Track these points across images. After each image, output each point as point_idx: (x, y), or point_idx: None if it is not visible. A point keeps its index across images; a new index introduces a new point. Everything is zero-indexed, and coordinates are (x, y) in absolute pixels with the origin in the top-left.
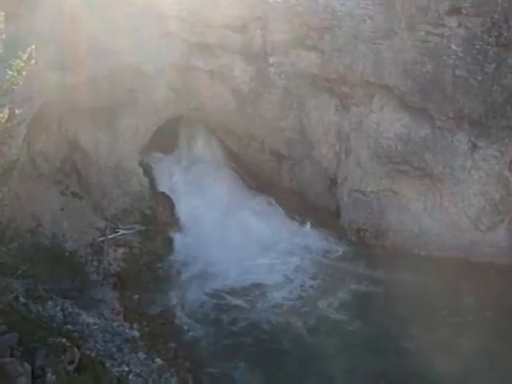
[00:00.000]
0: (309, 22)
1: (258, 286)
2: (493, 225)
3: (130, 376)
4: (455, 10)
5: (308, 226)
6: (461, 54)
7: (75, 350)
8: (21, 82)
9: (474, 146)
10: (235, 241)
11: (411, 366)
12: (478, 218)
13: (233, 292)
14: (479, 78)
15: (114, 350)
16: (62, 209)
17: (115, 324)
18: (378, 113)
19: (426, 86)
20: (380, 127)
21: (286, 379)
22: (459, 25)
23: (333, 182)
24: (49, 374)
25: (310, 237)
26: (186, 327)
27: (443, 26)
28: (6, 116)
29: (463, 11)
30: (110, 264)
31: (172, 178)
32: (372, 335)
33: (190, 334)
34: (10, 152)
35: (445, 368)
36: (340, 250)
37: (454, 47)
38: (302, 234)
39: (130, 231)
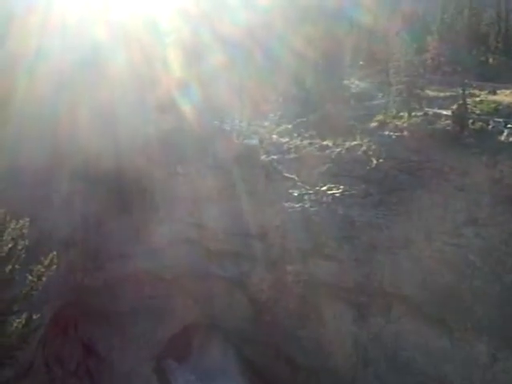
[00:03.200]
0: (327, 231)
1: None
2: None
3: None
4: (472, 221)
5: None
6: (479, 265)
7: None
8: (40, 287)
9: (494, 358)
10: None
11: None
12: None
13: None
14: (498, 289)
15: None
16: None
17: None
18: (396, 323)
19: (445, 297)
20: (398, 338)
21: None
22: (476, 235)
23: None
24: None
25: None
26: None
27: (460, 236)
28: (24, 322)
29: (479, 222)
30: None
31: None
32: None
33: None
34: (24, 356)
35: None
36: None
37: (471, 257)
38: None
39: None
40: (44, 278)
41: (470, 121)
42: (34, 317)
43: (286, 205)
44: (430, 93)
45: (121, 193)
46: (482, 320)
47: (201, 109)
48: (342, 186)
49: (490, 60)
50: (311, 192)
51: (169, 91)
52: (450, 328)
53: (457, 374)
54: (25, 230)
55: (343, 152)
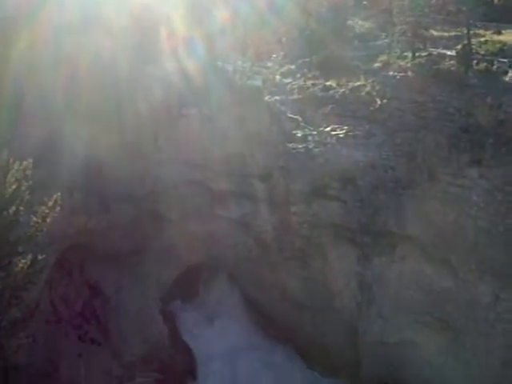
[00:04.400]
0: (331, 172)
1: None
2: None
3: None
4: (476, 162)
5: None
6: (482, 205)
7: None
8: (45, 229)
9: (498, 298)
10: None
11: None
12: (501, 371)
13: None
14: (501, 229)
15: None
16: (80, 355)
17: None
18: (400, 263)
19: (449, 237)
20: (402, 278)
21: None
22: (480, 176)
23: (354, 333)
24: None
25: None
26: None
27: (464, 177)
28: (29, 262)
29: (484, 162)
30: None
31: (192, 326)
32: None
33: None
34: (31, 297)
35: None
36: None
37: (475, 198)
38: None
39: (148, 379)
40: (48, 220)
41: (475, 61)
42: (39, 257)
43: (290, 146)
44: (435, 33)
45: (124, 135)
46: (485, 260)
47: (203, 52)
48: (345, 127)
49: (496, 0)
50: (315, 133)
51: (172, 39)
52: (453, 268)
53: (460, 313)
54: (28, 172)
55: (347, 92)
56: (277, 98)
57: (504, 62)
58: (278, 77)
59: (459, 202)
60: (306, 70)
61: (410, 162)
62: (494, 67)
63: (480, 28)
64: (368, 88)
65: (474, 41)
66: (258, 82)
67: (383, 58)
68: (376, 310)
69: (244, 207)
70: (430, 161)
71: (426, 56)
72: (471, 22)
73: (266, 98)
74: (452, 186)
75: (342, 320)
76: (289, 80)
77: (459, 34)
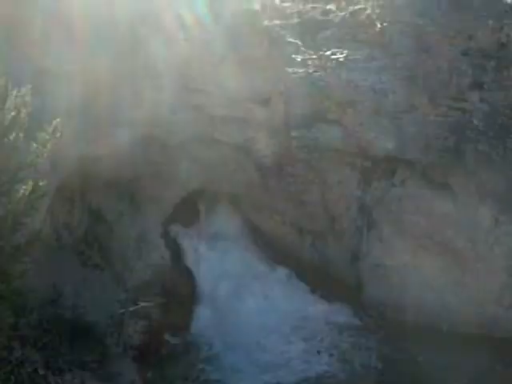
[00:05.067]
0: (331, 96)
1: (277, 360)
2: None
3: None
4: (476, 85)
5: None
6: (483, 129)
7: None
8: (45, 155)
9: (497, 221)
10: (256, 314)
11: None
12: (501, 294)
13: (252, 365)
14: (502, 153)
15: None
16: (84, 280)
17: None
18: (400, 187)
19: (448, 161)
20: (402, 202)
21: None
22: (481, 99)
23: (354, 257)
24: None
25: (330, 311)
26: None
27: (465, 100)
28: (30, 188)
29: (485, 86)
30: (131, 336)
31: (194, 250)
32: None
33: None
34: (33, 223)
35: None
36: (361, 325)
37: (475, 122)
38: (322, 308)
39: (151, 304)
40: (49, 146)
41: None
42: (41, 184)
43: (290, 70)
44: None
45: (120, 62)
46: (485, 184)
47: None
48: (345, 51)
49: None
50: (315, 57)
51: None
52: (453, 192)
53: (460, 237)
54: (27, 98)
55: (347, 16)
56: (276, 22)
57: None
58: (276, 0)
59: (459, 125)
60: None
61: (410, 86)
62: None
63: None
64: (368, 11)
65: None
66: (256, 6)
67: None
68: (376, 233)
69: (244, 132)
70: (430, 85)
71: None
72: None
73: (265, 23)
74: (452, 110)
75: (342, 244)
76: (288, 4)
77: None
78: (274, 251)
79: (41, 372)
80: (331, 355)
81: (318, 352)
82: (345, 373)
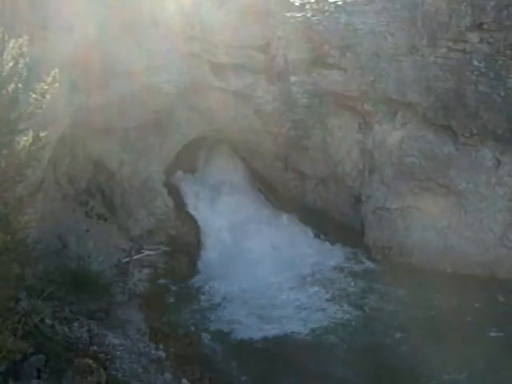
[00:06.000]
0: (330, 40)
1: (282, 305)
2: None
3: None
4: (476, 26)
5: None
6: (483, 70)
7: (102, 371)
8: (44, 106)
9: (499, 162)
10: (260, 259)
11: None
12: (503, 234)
13: (257, 309)
14: (502, 94)
15: (140, 370)
16: (88, 230)
17: (141, 345)
18: (401, 130)
19: (449, 103)
20: (403, 144)
21: None
22: (481, 40)
23: (357, 200)
24: None
25: (334, 254)
26: (211, 348)
27: (465, 41)
28: (31, 139)
29: (485, 26)
30: (136, 285)
31: (196, 198)
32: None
33: (216, 355)
34: (35, 174)
35: None
36: (364, 267)
37: (476, 63)
38: (325, 252)
39: (155, 252)
40: (48, 96)
41: None
42: (41, 134)
43: (288, 15)
44: None
45: (116, 11)
46: (486, 125)
47: None
48: None
49: None
50: (313, 1)
51: None
52: (454, 133)
53: (461, 178)
54: (25, 49)
55: None
56: None
57: None
58: None
59: (460, 67)
60: None
61: (409, 28)
62: None
63: None
64: None
65: None
66: None
67: None
68: (378, 176)
69: (243, 79)
70: (429, 26)
71: None
72: None
73: None
74: (452, 51)
75: (344, 188)
76: None
77: None
78: (276, 197)
79: (48, 322)
80: (341, 301)
81: (326, 299)
82: (358, 318)
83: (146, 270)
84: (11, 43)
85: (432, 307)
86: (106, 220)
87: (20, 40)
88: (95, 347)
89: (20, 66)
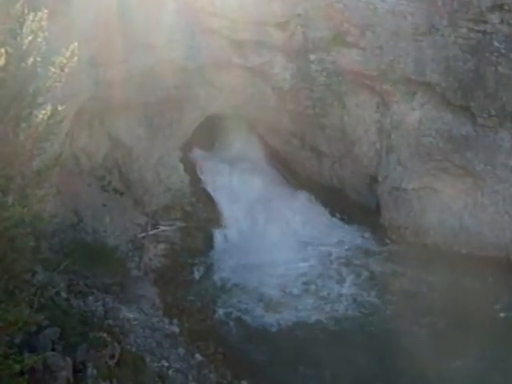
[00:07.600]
0: (350, 19)
1: (298, 283)
2: None
3: (170, 371)
4: (497, 7)
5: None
6: (503, 51)
7: (116, 344)
8: (63, 79)
9: None
10: (276, 237)
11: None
12: None
13: (273, 289)
14: None
15: (154, 345)
16: (104, 205)
17: (155, 319)
18: (420, 110)
19: (468, 84)
20: (421, 125)
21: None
22: (501, 21)
23: (373, 180)
24: (90, 369)
25: (350, 234)
26: (225, 323)
27: (485, 22)
28: (49, 113)
29: (505, 7)
30: (151, 260)
31: (213, 174)
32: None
33: (230, 330)
34: (53, 148)
35: None
36: (380, 248)
37: (496, 44)
38: (341, 231)
39: (171, 227)
40: (66, 70)
41: None
42: (59, 108)
43: None
44: None
45: None
46: (505, 106)
47: None
48: None
49: None
50: None
51: None
52: (473, 114)
53: (479, 159)
54: (43, 23)
55: None
56: None
57: None
58: None
59: (480, 48)
60: None
61: (429, 8)
62: None
63: None
64: None
65: None
66: None
67: None
68: (395, 157)
69: (262, 56)
70: (450, 6)
71: None
72: None
73: None
74: (472, 32)
75: (361, 167)
76: None
77: None
78: (292, 175)
79: (63, 295)
80: (358, 280)
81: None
82: (377, 299)
83: (161, 246)
84: (30, 17)
85: (455, 288)
86: (122, 194)
87: (39, 14)
88: (110, 321)
89: (39, 39)
